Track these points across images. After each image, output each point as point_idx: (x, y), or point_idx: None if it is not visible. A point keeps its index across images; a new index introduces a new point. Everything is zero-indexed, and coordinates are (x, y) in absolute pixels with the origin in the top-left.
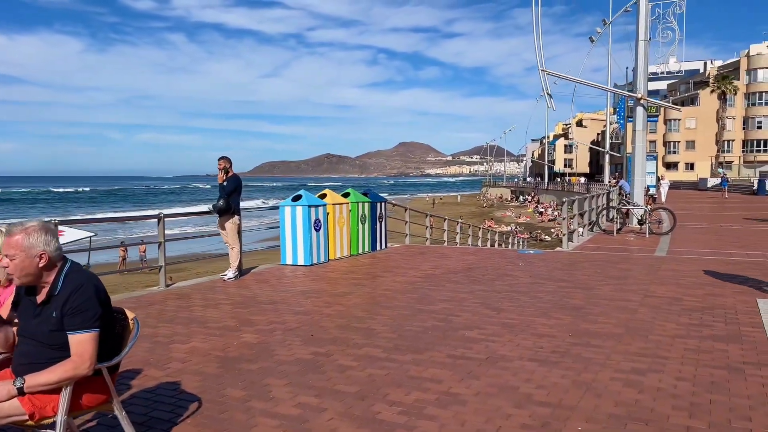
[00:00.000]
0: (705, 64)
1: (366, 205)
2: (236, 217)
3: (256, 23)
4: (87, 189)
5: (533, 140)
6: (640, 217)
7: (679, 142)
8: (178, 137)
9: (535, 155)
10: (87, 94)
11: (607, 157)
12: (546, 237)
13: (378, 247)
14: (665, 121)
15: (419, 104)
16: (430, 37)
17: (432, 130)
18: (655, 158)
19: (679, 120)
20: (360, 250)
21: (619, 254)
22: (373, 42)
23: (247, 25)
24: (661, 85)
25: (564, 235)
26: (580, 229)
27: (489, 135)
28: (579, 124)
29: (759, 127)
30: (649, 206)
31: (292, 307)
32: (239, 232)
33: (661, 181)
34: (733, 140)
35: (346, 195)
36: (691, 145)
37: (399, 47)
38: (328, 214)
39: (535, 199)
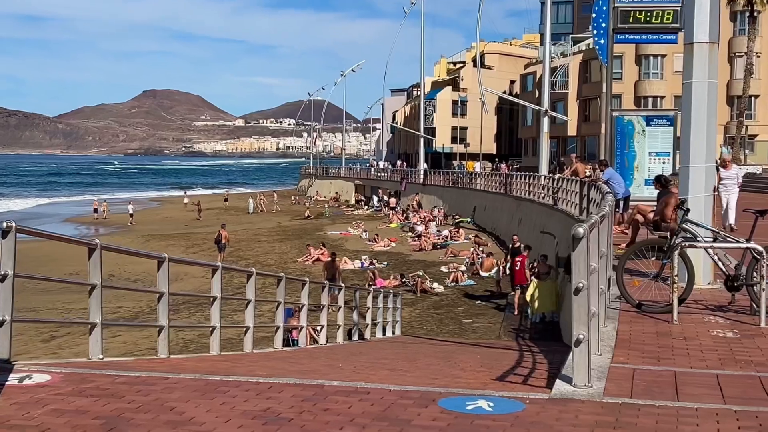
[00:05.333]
0: None
1: None
2: None
3: None
4: None
5: (394, 92)
6: (730, 271)
7: None
8: None
9: (400, 119)
10: None
11: (545, 122)
12: (435, 286)
13: None
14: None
15: (181, 19)
16: None
17: (206, 71)
18: (672, 120)
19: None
20: None
21: None
22: None
23: None
24: None
25: (582, 339)
26: (593, 307)
27: (312, 83)
28: (481, 63)
29: None
30: (747, 240)
31: None
32: None
33: (723, 173)
34: None
35: None
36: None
37: None
38: None
39: (414, 202)
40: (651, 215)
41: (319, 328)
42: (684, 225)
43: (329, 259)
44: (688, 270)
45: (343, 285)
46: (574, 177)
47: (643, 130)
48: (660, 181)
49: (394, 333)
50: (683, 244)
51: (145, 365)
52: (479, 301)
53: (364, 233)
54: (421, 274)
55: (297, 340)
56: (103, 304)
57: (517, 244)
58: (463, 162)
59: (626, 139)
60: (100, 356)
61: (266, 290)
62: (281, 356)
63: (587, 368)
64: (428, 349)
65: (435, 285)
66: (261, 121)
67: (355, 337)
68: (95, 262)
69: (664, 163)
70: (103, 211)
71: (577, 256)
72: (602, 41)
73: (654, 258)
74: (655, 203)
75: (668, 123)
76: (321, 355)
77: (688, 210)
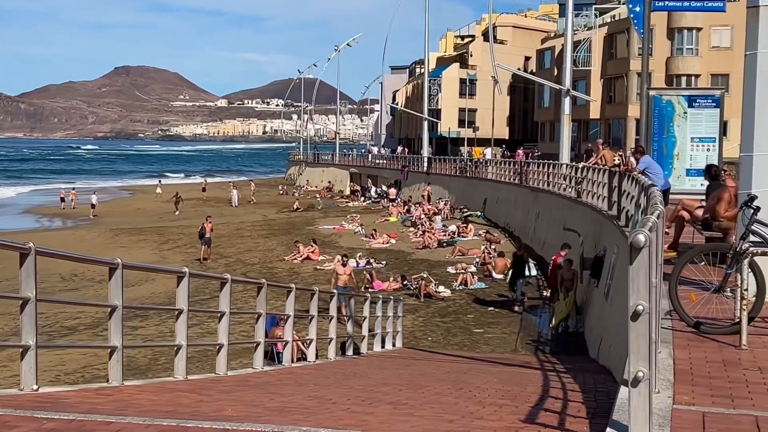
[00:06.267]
0: None
1: None
2: None
3: None
4: None
5: (395, 70)
6: None
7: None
8: None
9: (401, 100)
10: None
11: (566, 103)
12: (441, 289)
13: None
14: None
15: None
16: None
17: (185, 45)
18: (718, 101)
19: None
20: None
21: None
22: None
23: None
24: None
25: (641, 377)
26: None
27: (304, 59)
28: (493, 37)
29: None
30: None
31: None
32: None
33: None
34: None
35: None
36: None
37: None
38: None
39: (426, 192)
40: (699, 212)
41: (307, 341)
42: (752, 227)
43: (341, 263)
44: (757, 282)
45: (335, 291)
46: (600, 165)
47: (685, 113)
48: (710, 172)
49: (394, 345)
50: (755, 251)
51: (87, 399)
52: (491, 308)
53: (360, 228)
54: (425, 275)
55: (281, 353)
56: (38, 320)
57: (520, 252)
58: (472, 148)
59: (665, 123)
60: (34, 386)
61: (248, 293)
62: (260, 382)
63: (647, 414)
64: (435, 368)
65: (441, 288)
66: (246, 101)
67: (350, 352)
68: (29, 270)
69: (708, 150)
70: (72, 200)
71: (636, 270)
72: (638, 8)
73: (703, 263)
74: (703, 197)
75: (714, 104)
76: (308, 379)
77: (758, 208)
